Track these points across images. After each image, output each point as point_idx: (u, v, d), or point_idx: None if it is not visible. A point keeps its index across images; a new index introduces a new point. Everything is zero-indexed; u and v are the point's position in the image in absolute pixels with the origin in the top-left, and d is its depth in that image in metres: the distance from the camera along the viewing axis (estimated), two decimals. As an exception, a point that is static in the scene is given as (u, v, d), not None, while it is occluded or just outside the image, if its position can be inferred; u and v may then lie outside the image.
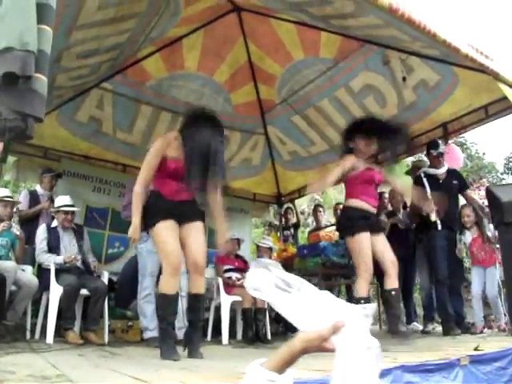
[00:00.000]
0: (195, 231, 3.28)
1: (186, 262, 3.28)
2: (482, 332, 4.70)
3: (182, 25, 5.12)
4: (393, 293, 3.87)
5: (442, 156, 5.18)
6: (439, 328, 5.25)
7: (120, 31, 4.00)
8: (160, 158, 3.29)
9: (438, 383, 2.40)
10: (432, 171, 5.23)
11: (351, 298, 5.60)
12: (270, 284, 1.05)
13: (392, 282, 3.86)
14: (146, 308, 4.32)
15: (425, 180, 5.17)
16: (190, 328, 3.27)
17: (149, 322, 4.28)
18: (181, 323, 4.12)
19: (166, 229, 3.13)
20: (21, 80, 1.69)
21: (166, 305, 3.11)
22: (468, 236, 4.99)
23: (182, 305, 4.01)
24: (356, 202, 3.96)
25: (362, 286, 3.82)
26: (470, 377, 2.60)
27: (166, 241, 3.11)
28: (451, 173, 5.21)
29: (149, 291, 4.32)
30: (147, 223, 3.24)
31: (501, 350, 2.91)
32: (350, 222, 3.95)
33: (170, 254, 3.07)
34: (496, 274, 4.85)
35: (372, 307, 1.03)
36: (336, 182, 4.15)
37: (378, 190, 4.60)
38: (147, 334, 4.32)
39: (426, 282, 5.51)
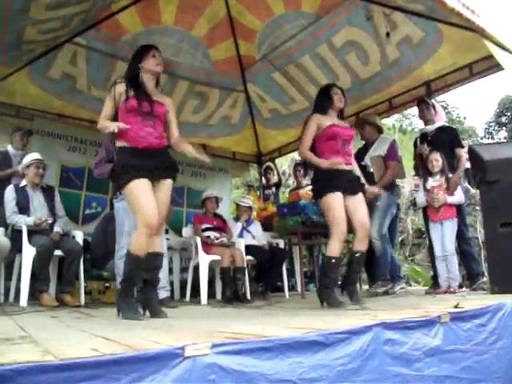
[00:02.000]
0: (164, 189, 3.17)
1: None
2: (446, 293, 4.55)
3: (158, -24, 4.89)
4: (357, 255, 3.80)
5: (428, 109, 5.11)
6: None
7: (91, -20, 3.80)
8: (114, 101, 3.16)
9: (418, 340, 2.38)
10: (422, 129, 5.26)
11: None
12: None
13: (358, 244, 3.79)
14: (122, 267, 4.20)
15: (418, 140, 5.23)
16: (147, 288, 3.16)
17: None
18: (163, 282, 4.07)
19: (138, 186, 2.99)
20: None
21: (134, 265, 3.00)
22: (430, 182, 4.88)
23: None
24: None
25: (333, 246, 3.71)
26: (450, 333, 2.60)
27: (139, 199, 2.97)
28: (443, 129, 5.12)
29: (126, 250, 4.19)
30: (119, 184, 3.12)
31: (481, 308, 2.91)
32: (318, 183, 3.89)
33: (146, 213, 2.93)
34: (453, 228, 4.72)
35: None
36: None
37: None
38: None
39: None
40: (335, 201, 3.68)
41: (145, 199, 2.96)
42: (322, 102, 3.96)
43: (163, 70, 3.37)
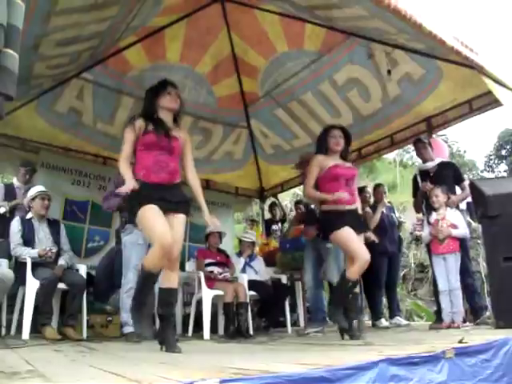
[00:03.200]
0: (177, 223, 3.12)
1: None
2: (450, 327, 4.50)
3: (165, 14, 5.02)
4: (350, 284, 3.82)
5: (425, 148, 5.17)
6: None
7: (101, 19, 3.90)
8: (135, 135, 3.17)
9: (423, 376, 2.37)
10: (422, 166, 5.25)
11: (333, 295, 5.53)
12: None
13: (353, 274, 3.78)
14: (128, 302, 3.99)
15: (418, 178, 5.25)
16: (163, 323, 3.16)
17: (130, 316, 4.15)
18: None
19: (151, 210, 2.96)
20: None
21: (145, 280, 3.02)
22: (434, 216, 4.91)
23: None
24: (327, 206, 3.90)
25: (354, 270, 3.73)
26: (456, 369, 2.58)
27: (153, 221, 2.95)
28: (444, 165, 5.18)
29: (132, 285, 4.05)
30: (131, 212, 3.13)
31: (485, 343, 2.89)
32: (327, 224, 3.90)
33: (160, 233, 2.89)
34: (457, 263, 4.69)
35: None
36: None
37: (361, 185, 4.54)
38: (127, 329, 4.20)
39: None
40: (349, 233, 3.72)
41: (158, 221, 2.94)
42: (322, 144, 4.04)
43: (180, 107, 3.36)
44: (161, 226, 2.93)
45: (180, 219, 3.15)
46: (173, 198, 3.11)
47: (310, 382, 1.78)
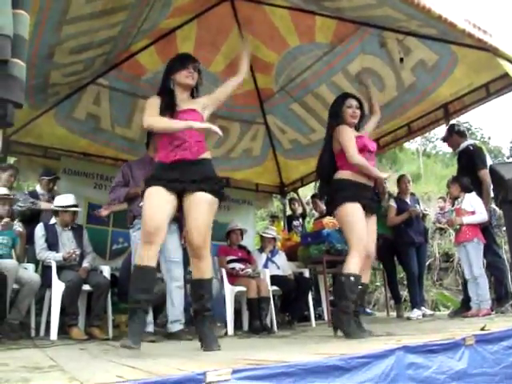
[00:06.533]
0: (194, 205, 2.85)
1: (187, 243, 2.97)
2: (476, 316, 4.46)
3: (175, 16, 5.06)
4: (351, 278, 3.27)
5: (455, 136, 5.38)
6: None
7: (111, 24, 3.97)
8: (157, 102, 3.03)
9: (442, 363, 2.36)
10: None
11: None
12: None
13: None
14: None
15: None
16: (197, 319, 2.92)
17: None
18: (178, 315, 4.05)
19: (150, 193, 2.81)
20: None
21: (134, 277, 2.75)
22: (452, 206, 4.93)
23: (173, 296, 3.99)
24: (346, 174, 3.50)
25: (352, 262, 3.25)
26: (477, 356, 2.56)
27: (145, 205, 2.79)
28: (464, 152, 5.28)
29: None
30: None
31: (508, 329, 2.86)
32: (338, 192, 3.48)
33: (146, 222, 2.73)
34: (478, 249, 4.67)
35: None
36: None
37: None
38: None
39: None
40: (356, 212, 3.35)
41: (149, 207, 2.78)
42: (337, 113, 3.73)
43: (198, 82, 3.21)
44: (149, 209, 2.76)
45: (200, 199, 2.85)
46: (188, 177, 2.86)
47: (324, 371, 1.79)
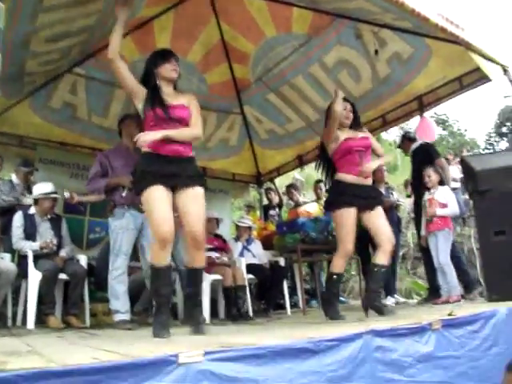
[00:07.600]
0: (192, 199, 3.02)
1: (184, 234, 3.08)
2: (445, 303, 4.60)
3: (152, 5, 5.03)
4: (382, 269, 3.76)
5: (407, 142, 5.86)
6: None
7: (87, 13, 3.93)
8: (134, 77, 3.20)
9: (409, 347, 2.45)
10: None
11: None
12: None
13: (382, 257, 3.75)
14: (118, 288, 4.00)
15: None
16: (189, 303, 3.13)
17: (121, 304, 4.01)
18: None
19: (154, 196, 2.91)
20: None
21: (155, 276, 2.95)
22: (426, 196, 5.04)
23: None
24: (340, 176, 3.90)
25: (337, 263, 3.84)
26: (443, 340, 2.66)
27: (153, 212, 2.90)
28: (418, 149, 5.56)
29: (122, 271, 4.02)
30: (136, 190, 3.07)
31: (473, 314, 2.98)
32: (333, 196, 3.97)
33: (159, 226, 2.85)
34: (447, 238, 4.84)
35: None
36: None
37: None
38: (118, 317, 4.01)
39: None
40: (347, 218, 3.76)
41: (158, 212, 2.89)
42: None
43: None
44: (159, 214, 2.88)
45: (195, 193, 3.04)
46: (183, 172, 3.02)
47: (293, 353, 1.87)
